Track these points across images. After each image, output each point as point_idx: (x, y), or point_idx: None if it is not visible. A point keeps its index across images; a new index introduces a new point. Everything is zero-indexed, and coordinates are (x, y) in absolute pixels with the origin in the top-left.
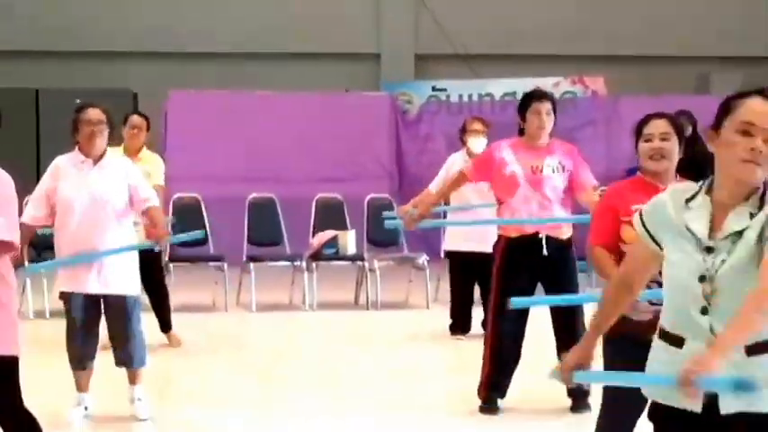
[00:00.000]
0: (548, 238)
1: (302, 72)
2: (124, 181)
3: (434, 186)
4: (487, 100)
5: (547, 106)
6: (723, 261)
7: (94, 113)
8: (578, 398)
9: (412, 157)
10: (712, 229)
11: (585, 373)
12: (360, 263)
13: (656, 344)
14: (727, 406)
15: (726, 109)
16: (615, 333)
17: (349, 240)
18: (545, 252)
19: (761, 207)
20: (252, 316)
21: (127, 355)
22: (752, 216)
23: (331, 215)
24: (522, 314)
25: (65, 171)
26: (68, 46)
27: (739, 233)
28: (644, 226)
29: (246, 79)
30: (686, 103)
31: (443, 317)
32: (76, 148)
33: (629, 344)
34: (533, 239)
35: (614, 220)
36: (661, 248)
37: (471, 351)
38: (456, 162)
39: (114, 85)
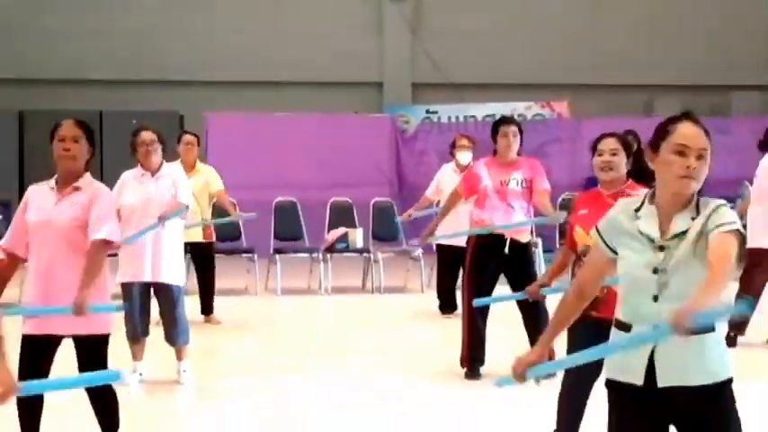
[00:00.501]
0: (511, 240)
1: (319, 97)
2: (173, 187)
3: (429, 192)
4: (471, 121)
5: (513, 129)
6: (672, 256)
7: (147, 135)
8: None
9: (409, 168)
10: (661, 231)
11: (538, 368)
12: (366, 255)
13: (613, 333)
14: (665, 380)
15: (662, 133)
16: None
17: (357, 236)
18: (506, 251)
19: (698, 212)
20: (278, 299)
21: (173, 336)
22: (693, 219)
23: (342, 215)
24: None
25: (127, 183)
26: (129, 75)
27: (683, 233)
28: (600, 237)
29: (272, 103)
30: (635, 123)
31: (435, 299)
32: (138, 164)
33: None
34: (498, 240)
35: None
36: (615, 253)
37: (459, 327)
38: (446, 172)
39: (164, 108)
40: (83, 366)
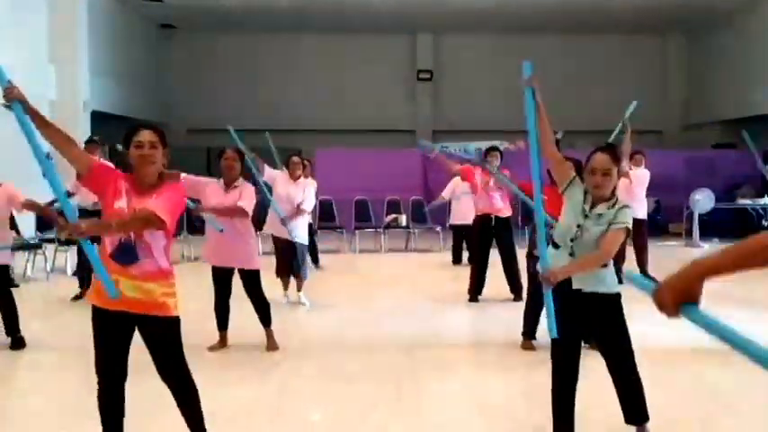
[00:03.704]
0: (496, 217)
1: (378, 138)
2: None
3: (444, 193)
4: (470, 152)
5: (496, 154)
6: (590, 225)
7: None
8: (518, 292)
9: (431, 180)
10: (590, 209)
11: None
12: (408, 230)
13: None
14: (583, 287)
15: (587, 159)
16: (531, 255)
17: (403, 219)
18: (493, 223)
19: (613, 206)
20: (356, 255)
21: (299, 273)
22: (609, 209)
23: (394, 207)
24: (487, 255)
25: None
26: (268, 125)
27: (600, 215)
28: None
29: (353, 142)
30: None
31: (448, 256)
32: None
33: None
34: (488, 216)
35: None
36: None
37: (462, 272)
38: (455, 181)
39: (290, 146)
40: (247, 291)
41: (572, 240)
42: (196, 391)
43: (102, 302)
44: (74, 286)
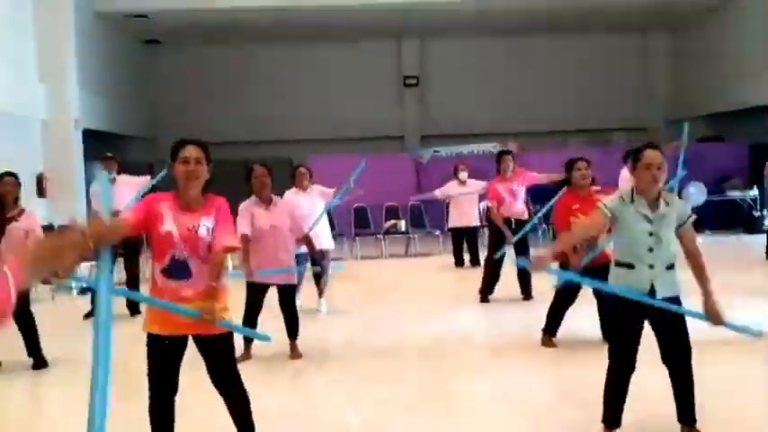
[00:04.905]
0: (516, 220)
1: (369, 146)
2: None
3: (438, 192)
4: (458, 154)
5: (509, 157)
6: (659, 227)
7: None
8: (529, 293)
9: (425, 185)
10: (652, 211)
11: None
12: (408, 235)
13: (615, 270)
14: (662, 292)
15: (636, 154)
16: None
17: (402, 224)
18: (513, 226)
19: (666, 201)
20: (358, 262)
21: (321, 280)
22: (667, 204)
23: (392, 212)
24: (502, 256)
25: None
26: (261, 137)
27: (663, 216)
28: (606, 208)
29: (343, 149)
30: (555, 154)
31: (449, 260)
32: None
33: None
34: (508, 220)
35: (567, 214)
36: (613, 219)
37: (466, 274)
38: (451, 185)
39: (280, 155)
40: (283, 304)
41: (650, 251)
42: (249, 401)
43: (167, 330)
44: (80, 305)
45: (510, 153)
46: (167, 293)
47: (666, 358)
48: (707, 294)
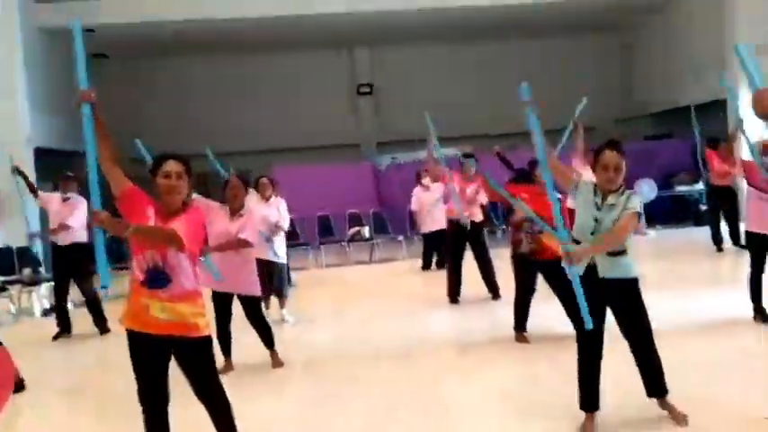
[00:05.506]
0: (471, 221)
1: (325, 155)
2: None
3: (413, 206)
4: (416, 160)
5: (471, 161)
6: (604, 215)
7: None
8: (496, 291)
9: (384, 192)
10: (603, 200)
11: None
12: (371, 241)
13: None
14: (602, 272)
15: (596, 154)
16: (515, 255)
17: (366, 231)
18: (468, 227)
19: (620, 195)
20: (324, 270)
21: (281, 291)
22: (618, 197)
23: (355, 220)
24: (461, 258)
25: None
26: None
27: (612, 205)
28: (577, 179)
29: (301, 159)
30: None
31: (415, 264)
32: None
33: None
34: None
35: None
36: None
37: (433, 277)
38: (416, 192)
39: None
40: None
41: (592, 234)
42: (230, 407)
43: (138, 325)
44: (44, 327)
45: (472, 156)
46: (145, 293)
47: (626, 335)
48: (589, 245)
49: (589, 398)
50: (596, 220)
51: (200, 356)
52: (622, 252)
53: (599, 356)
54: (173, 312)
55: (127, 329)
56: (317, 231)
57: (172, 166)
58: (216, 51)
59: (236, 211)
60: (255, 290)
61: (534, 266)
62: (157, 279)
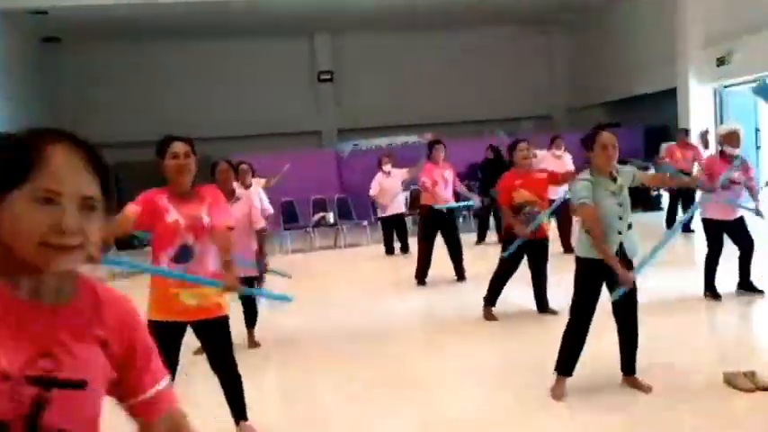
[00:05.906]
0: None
1: (285, 142)
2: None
3: (372, 192)
4: (378, 147)
5: (441, 146)
6: (622, 197)
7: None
8: (462, 274)
9: (346, 178)
10: (614, 184)
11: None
12: (336, 226)
13: (585, 236)
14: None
15: (592, 137)
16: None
17: (331, 216)
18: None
19: (618, 173)
20: (289, 256)
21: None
22: (619, 176)
23: (320, 206)
24: (432, 242)
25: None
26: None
27: (621, 186)
28: (587, 200)
29: (256, 150)
30: (473, 143)
31: (379, 249)
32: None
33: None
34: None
35: (510, 191)
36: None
37: (398, 261)
38: (378, 178)
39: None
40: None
41: (620, 219)
42: (241, 378)
43: (171, 315)
44: None
45: (441, 142)
46: (172, 283)
47: (617, 313)
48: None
49: (568, 363)
50: (620, 204)
51: (222, 333)
52: (631, 225)
53: (587, 327)
54: (200, 297)
55: (152, 321)
56: (281, 218)
57: (179, 146)
58: (172, 36)
59: (230, 196)
60: (247, 270)
61: (524, 247)
62: (184, 254)
